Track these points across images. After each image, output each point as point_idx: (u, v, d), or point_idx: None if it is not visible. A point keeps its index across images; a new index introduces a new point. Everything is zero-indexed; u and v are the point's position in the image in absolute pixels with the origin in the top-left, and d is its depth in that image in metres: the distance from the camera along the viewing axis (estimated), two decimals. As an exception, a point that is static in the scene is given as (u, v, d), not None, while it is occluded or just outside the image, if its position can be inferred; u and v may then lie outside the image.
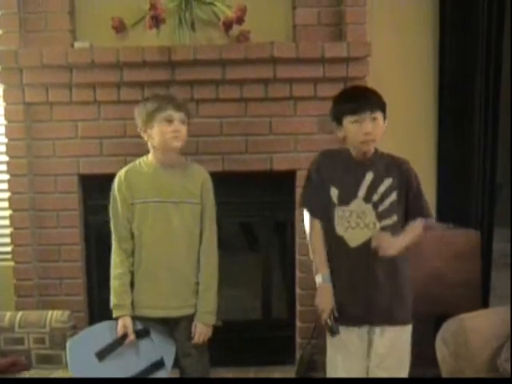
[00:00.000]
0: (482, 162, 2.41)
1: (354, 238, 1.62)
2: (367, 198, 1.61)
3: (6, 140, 2.32)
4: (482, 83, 2.35)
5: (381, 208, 1.62)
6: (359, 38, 2.27)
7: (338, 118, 1.64)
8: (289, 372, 2.37)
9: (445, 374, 1.90)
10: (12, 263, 2.36)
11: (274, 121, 2.35)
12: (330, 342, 1.70)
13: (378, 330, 1.66)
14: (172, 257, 1.72)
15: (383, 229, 1.61)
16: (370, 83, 2.33)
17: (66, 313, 1.95)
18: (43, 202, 2.35)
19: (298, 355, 2.41)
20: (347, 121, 1.61)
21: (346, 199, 1.63)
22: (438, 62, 2.45)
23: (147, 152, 1.80)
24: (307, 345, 2.36)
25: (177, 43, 2.27)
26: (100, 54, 2.22)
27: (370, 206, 1.61)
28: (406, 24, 2.43)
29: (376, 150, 1.68)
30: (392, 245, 1.57)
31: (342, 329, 1.64)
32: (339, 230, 1.64)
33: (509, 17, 2.33)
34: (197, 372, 1.80)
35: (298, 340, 2.45)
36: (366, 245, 1.60)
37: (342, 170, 1.66)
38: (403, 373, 1.69)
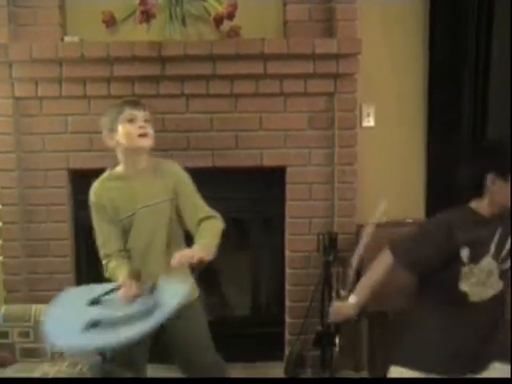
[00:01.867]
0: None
1: (476, 293, 1.58)
2: (495, 256, 1.58)
3: (-5, 134, 2.32)
4: (471, 79, 2.36)
5: (503, 267, 1.58)
6: (350, 35, 2.28)
7: None
8: (278, 368, 2.38)
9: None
10: (0, 258, 2.35)
11: (265, 116, 2.36)
12: None
13: None
14: (158, 261, 1.69)
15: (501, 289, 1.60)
16: (360, 80, 2.35)
17: None
18: (32, 197, 2.34)
19: (287, 351, 2.42)
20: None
21: (474, 257, 1.57)
22: (428, 58, 2.46)
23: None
24: (296, 341, 2.37)
25: (167, 38, 2.27)
26: (90, 48, 2.21)
27: (495, 263, 1.58)
28: (396, 21, 2.43)
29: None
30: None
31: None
32: (464, 286, 1.58)
33: (499, 11, 2.34)
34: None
35: (287, 336, 2.46)
36: (487, 302, 1.58)
37: (474, 230, 1.58)
38: None
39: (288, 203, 2.41)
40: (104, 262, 1.72)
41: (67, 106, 2.30)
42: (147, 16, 2.23)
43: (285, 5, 2.35)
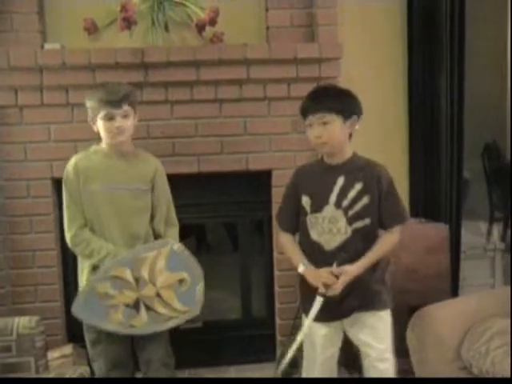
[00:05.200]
0: (450, 160, 2.50)
1: (328, 242, 1.64)
2: (337, 204, 1.62)
3: (-26, 144, 2.26)
4: (448, 81, 2.43)
5: (350, 213, 1.62)
6: (331, 40, 2.32)
7: (303, 119, 1.67)
8: (270, 370, 2.40)
9: (415, 364, 1.96)
10: (-17, 271, 2.30)
11: (249, 121, 2.37)
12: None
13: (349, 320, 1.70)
14: (118, 242, 1.75)
15: (355, 231, 1.62)
16: (342, 84, 2.39)
17: (34, 318, 1.88)
18: (15, 208, 2.30)
19: (278, 352, 2.45)
20: (305, 124, 1.65)
21: (318, 206, 1.64)
22: (408, 61, 2.53)
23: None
24: (287, 342, 2.39)
25: (150, 45, 2.26)
26: (71, 55, 2.19)
27: (340, 212, 1.62)
28: (375, 25, 2.49)
29: (354, 154, 1.69)
30: (338, 283, 1.60)
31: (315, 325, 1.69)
32: (313, 235, 1.66)
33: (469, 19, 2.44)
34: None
35: (278, 337, 2.48)
36: (341, 248, 1.63)
37: (315, 179, 1.68)
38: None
39: (274, 206, 2.42)
40: (71, 234, 1.76)
41: (49, 114, 2.26)
42: (128, 23, 2.22)
43: (267, 10, 2.38)
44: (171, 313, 1.71)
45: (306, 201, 1.67)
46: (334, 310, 1.66)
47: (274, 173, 2.41)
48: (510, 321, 1.80)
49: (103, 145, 1.81)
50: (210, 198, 2.43)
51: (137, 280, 1.67)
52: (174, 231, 1.87)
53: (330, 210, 1.62)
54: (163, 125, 2.33)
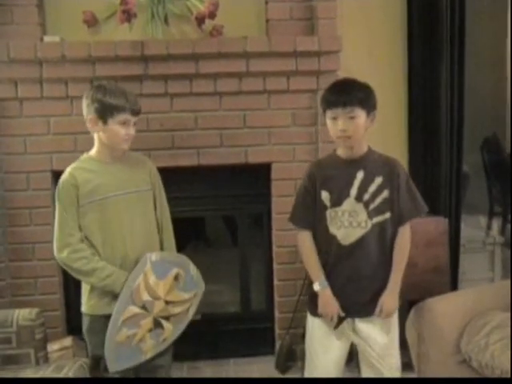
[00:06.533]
0: (449, 154, 2.50)
1: (346, 236, 1.63)
2: (358, 197, 1.62)
3: (-27, 137, 2.26)
4: (447, 74, 2.43)
5: (371, 206, 1.62)
6: (330, 33, 2.31)
7: (323, 110, 1.65)
8: (269, 363, 2.40)
9: (414, 357, 1.97)
10: (-17, 263, 2.31)
11: (248, 114, 2.37)
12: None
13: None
14: (135, 247, 1.72)
15: (376, 226, 1.62)
16: (342, 77, 2.39)
17: (35, 310, 1.89)
18: (15, 200, 2.30)
19: (277, 346, 2.45)
20: (327, 116, 1.62)
21: (337, 200, 1.63)
22: (407, 54, 2.53)
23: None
24: (286, 335, 2.40)
25: (150, 38, 2.26)
26: (71, 48, 2.18)
27: (361, 205, 1.62)
28: (375, 18, 2.49)
29: (369, 148, 1.68)
30: (392, 305, 1.64)
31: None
32: (332, 229, 1.65)
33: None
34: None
35: (277, 331, 2.49)
36: (359, 243, 1.63)
37: (333, 173, 1.66)
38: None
39: (274, 199, 2.44)
40: (69, 250, 1.65)
41: (49, 106, 2.27)
42: (128, 15, 2.22)
43: (266, 3, 2.37)
44: (185, 305, 1.73)
45: (325, 196, 1.65)
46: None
47: (274, 166, 2.41)
48: (509, 314, 1.80)
49: (95, 151, 1.73)
50: (209, 191, 2.43)
51: (144, 307, 1.67)
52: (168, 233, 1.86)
53: (350, 203, 1.61)
54: (162, 117, 2.34)
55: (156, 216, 1.82)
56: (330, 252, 1.67)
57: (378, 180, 1.62)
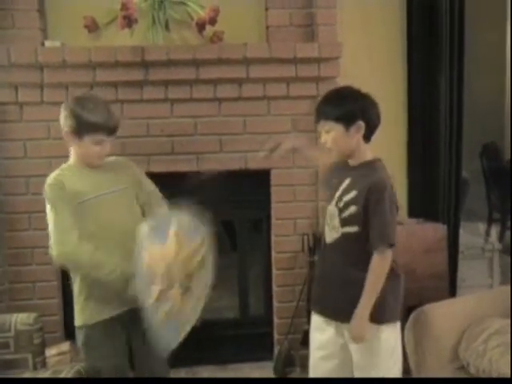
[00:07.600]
0: (449, 160, 2.51)
1: (327, 235, 1.65)
2: (337, 203, 1.61)
3: (-27, 141, 2.27)
4: (447, 80, 2.45)
5: (342, 215, 1.59)
6: (330, 39, 2.33)
7: None
8: (267, 368, 2.40)
9: (412, 363, 1.96)
10: (-18, 268, 2.31)
11: (248, 120, 2.38)
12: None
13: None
14: (126, 245, 1.66)
15: (344, 235, 1.59)
16: (342, 83, 2.39)
17: (33, 315, 1.88)
18: (14, 205, 2.30)
19: (276, 351, 2.45)
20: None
21: (330, 199, 1.65)
22: (407, 60, 2.54)
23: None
24: (284, 340, 2.40)
25: (150, 43, 2.27)
26: (72, 53, 2.19)
27: (337, 211, 1.60)
28: (375, 24, 2.51)
29: (372, 160, 1.61)
30: (357, 331, 1.54)
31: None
32: (323, 224, 1.69)
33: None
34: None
35: (276, 336, 2.49)
36: (333, 245, 1.62)
37: (335, 173, 1.69)
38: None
39: (273, 205, 2.44)
40: (72, 246, 1.62)
41: (49, 111, 2.26)
42: (129, 21, 2.23)
43: (266, 10, 2.38)
44: (198, 254, 1.66)
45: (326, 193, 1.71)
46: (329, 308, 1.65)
47: (273, 172, 2.42)
48: (507, 321, 1.80)
49: (72, 160, 1.72)
50: (208, 197, 2.42)
51: (164, 280, 1.59)
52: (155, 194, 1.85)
53: (332, 205, 1.63)
54: (163, 123, 2.34)
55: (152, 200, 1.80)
56: (321, 246, 1.73)
57: (352, 193, 1.57)
